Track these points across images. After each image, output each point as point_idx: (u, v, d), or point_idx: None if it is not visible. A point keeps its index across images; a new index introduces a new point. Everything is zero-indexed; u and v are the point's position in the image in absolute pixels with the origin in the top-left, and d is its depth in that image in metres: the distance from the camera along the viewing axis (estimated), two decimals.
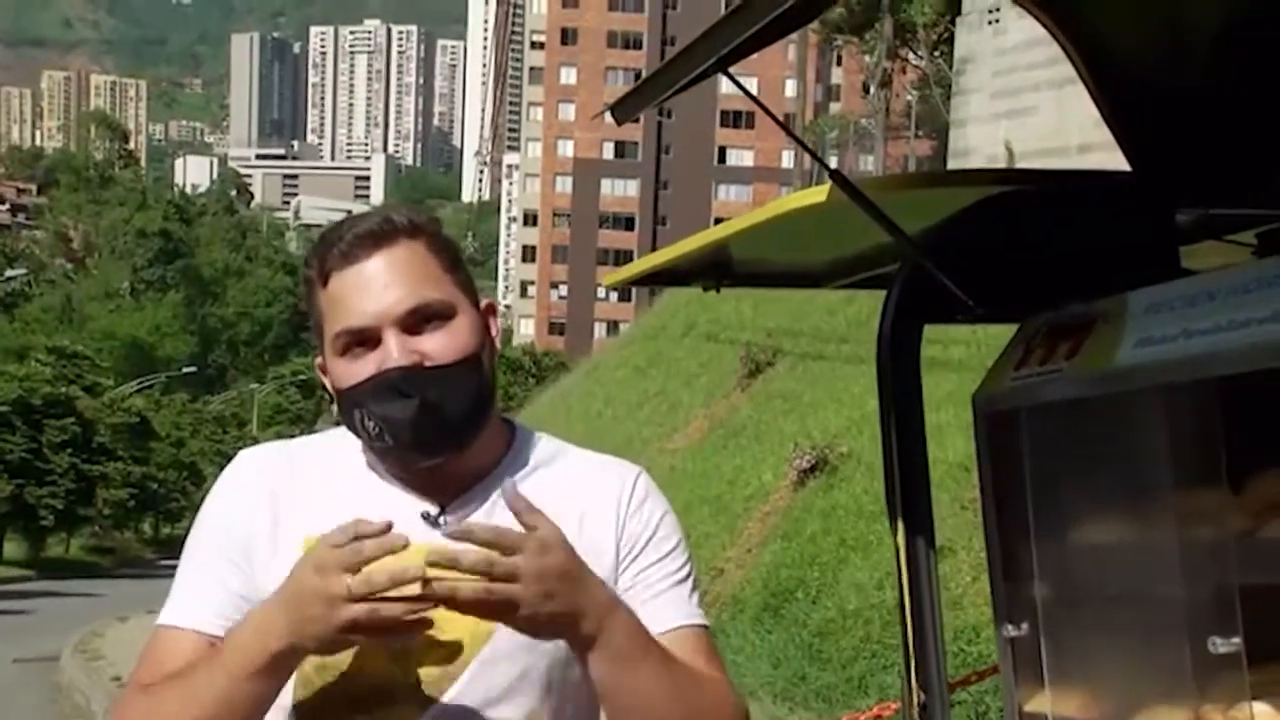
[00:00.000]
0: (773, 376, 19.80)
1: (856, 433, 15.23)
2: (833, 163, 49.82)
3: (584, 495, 1.67)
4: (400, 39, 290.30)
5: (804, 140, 51.79)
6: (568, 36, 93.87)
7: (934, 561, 2.14)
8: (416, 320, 1.58)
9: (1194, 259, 2.26)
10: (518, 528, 1.60)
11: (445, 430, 1.59)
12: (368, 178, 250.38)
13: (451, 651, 1.59)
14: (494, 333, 1.68)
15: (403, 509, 1.63)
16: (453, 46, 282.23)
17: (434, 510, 1.64)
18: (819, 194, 2.13)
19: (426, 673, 1.59)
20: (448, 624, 1.58)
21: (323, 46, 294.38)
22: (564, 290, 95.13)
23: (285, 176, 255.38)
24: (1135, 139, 2.29)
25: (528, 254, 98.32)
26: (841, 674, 11.99)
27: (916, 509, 2.14)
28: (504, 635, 1.59)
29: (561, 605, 1.47)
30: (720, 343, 22.66)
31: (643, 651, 1.53)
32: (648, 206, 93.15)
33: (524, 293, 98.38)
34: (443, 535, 1.51)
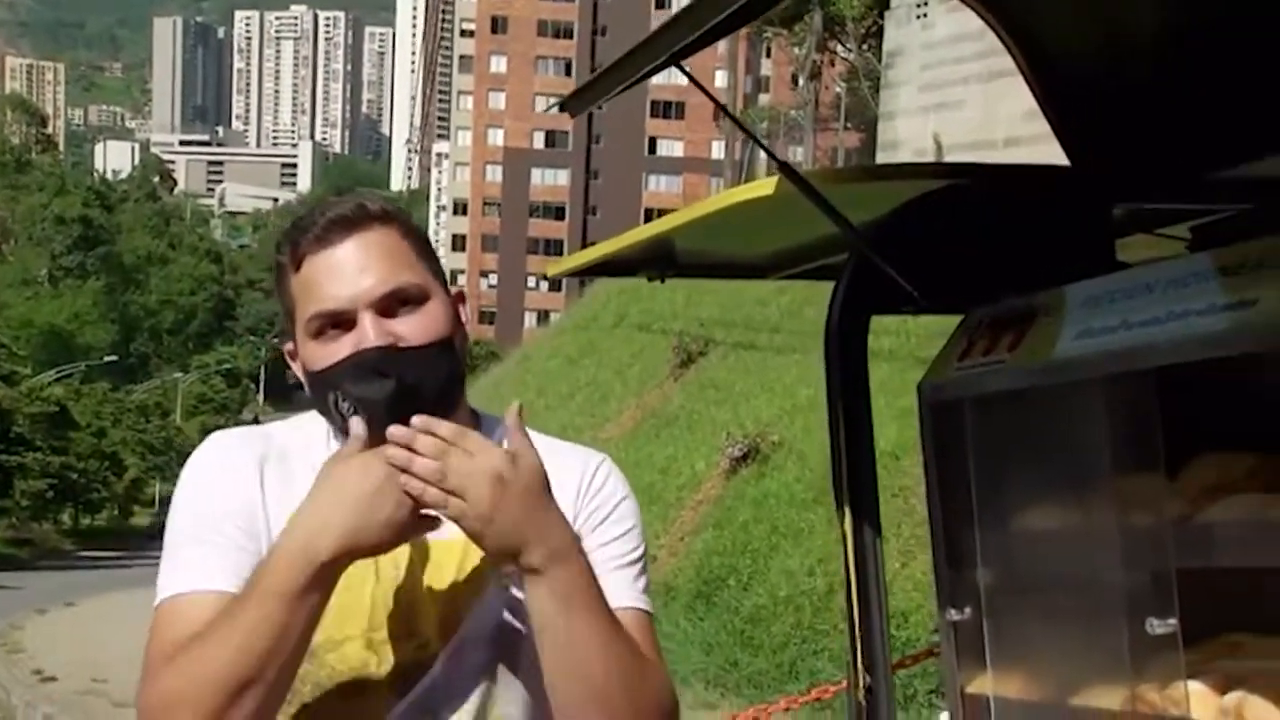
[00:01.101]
0: (705, 366, 19.92)
1: (788, 422, 15.36)
2: (760, 154, 50.07)
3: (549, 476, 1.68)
4: (327, 25, 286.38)
5: (735, 131, 51.81)
6: (498, 25, 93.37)
7: (879, 547, 2.19)
8: (391, 303, 1.60)
9: (1128, 252, 2.33)
10: None
11: (420, 411, 1.58)
12: (295, 165, 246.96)
13: (423, 641, 1.60)
14: (465, 320, 1.70)
15: None
16: (381, 33, 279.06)
17: None
18: (766, 186, 2.16)
19: (398, 662, 1.60)
20: (420, 612, 1.61)
21: (248, 31, 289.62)
22: (494, 279, 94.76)
23: (210, 163, 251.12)
24: (1073, 133, 2.35)
25: (457, 243, 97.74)
26: (772, 659, 12.11)
27: (862, 496, 2.18)
28: (469, 627, 1.61)
29: (511, 523, 1.49)
30: (652, 333, 22.74)
31: (587, 602, 1.53)
32: (578, 196, 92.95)
33: (453, 281, 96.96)
34: (412, 423, 1.52)
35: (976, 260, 2.16)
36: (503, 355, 42.81)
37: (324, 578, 1.48)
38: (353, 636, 1.59)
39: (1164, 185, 2.19)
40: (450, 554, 1.63)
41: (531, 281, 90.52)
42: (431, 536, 1.63)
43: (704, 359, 20.16)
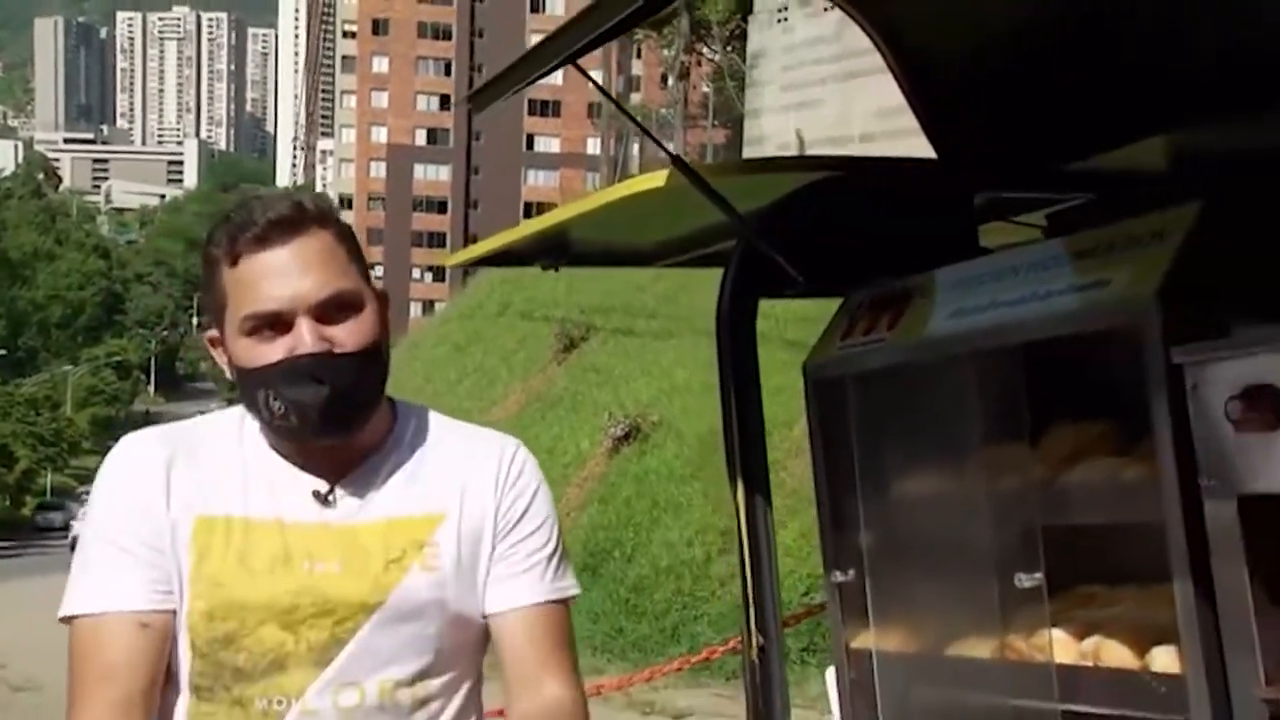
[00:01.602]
0: (586, 351, 19.91)
1: (667, 402, 15.43)
2: (634, 150, 50.19)
3: (465, 468, 1.66)
4: (210, 26, 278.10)
5: (609, 129, 51.69)
6: (379, 27, 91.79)
7: (770, 518, 2.22)
8: (328, 309, 1.55)
9: (990, 237, 2.39)
10: (403, 503, 1.63)
11: (350, 414, 1.58)
12: (181, 162, 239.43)
13: (339, 619, 1.58)
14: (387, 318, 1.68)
15: (294, 487, 1.61)
16: (264, 34, 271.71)
17: (324, 488, 1.62)
18: (657, 179, 2.17)
19: (315, 639, 1.57)
20: (337, 595, 1.58)
21: (130, 32, 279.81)
22: (380, 271, 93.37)
23: (95, 160, 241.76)
24: (939, 128, 2.40)
25: None
26: (655, 625, 12.20)
27: (754, 470, 2.21)
28: (391, 605, 1.59)
29: None
30: (535, 320, 22.65)
31: None
32: (459, 191, 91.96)
33: None
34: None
35: (855, 246, 2.20)
36: (391, 344, 42.21)
37: None
38: (265, 621, 1.57)
39: (1023, 176, 2.25)
40: (374, 535, 1.61)
41: (416, 273, 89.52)
42: (356, 520, 1.61)
43: (585, 344, 20.15)
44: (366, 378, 1.58)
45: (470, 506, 1.65)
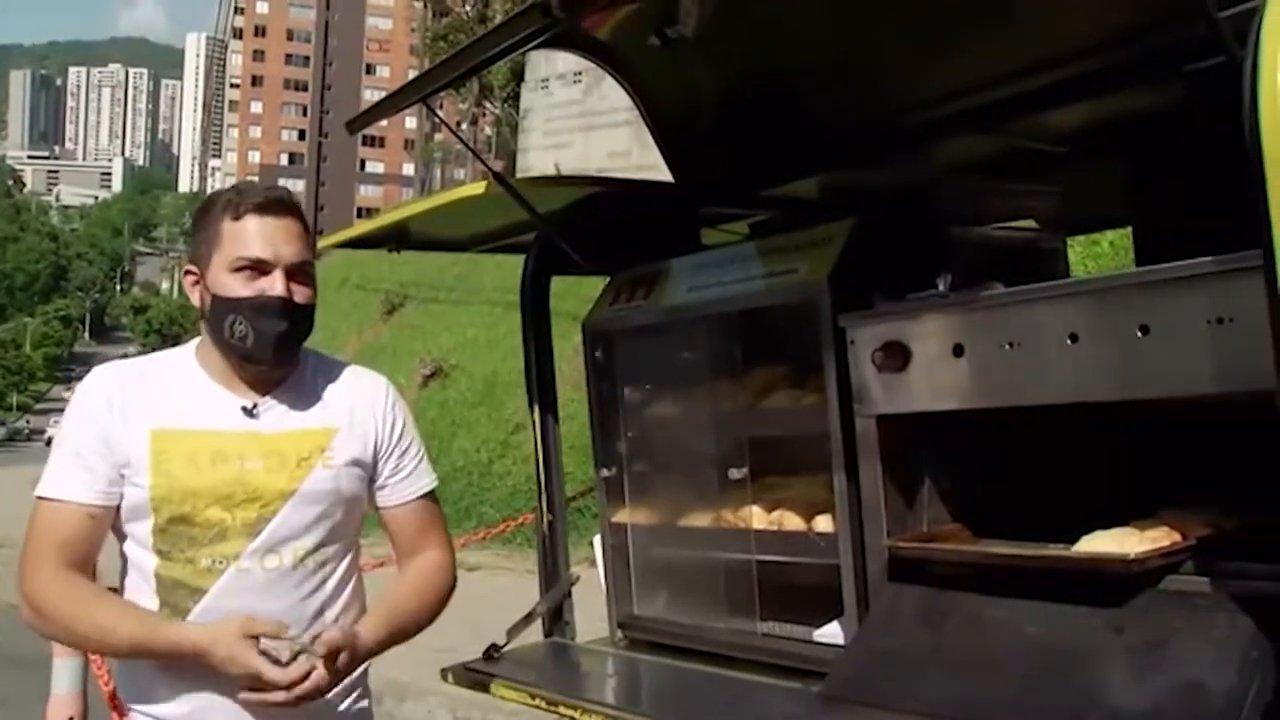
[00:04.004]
0: (404, 314, 19.26)
1: (461, 351, 15.13)
2: (437, 174, 48.79)
3: (351, 394, 1.60)
4: (135, 78, 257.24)
5: (420, 158, 50.05)
6: (256, 80, 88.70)
7: (557, 430, 2.13)
8: (294, 272, 1.51)
9: (708, 238, 2.36)
10: (308, 418, 1.54)
11: (289, 347, 1.53)
12: (110, 173, 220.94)
13: (264, 503, 1.51)
14: None
15: (227, 403, 1.53)
16: (173, 84, 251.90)
17: (250, 404, 1.53)
18: (480, 188, 2.04)
19: (246, 518, 1.50)
20: (264, 483, 1.50)
21: (77, 81, 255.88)
22: None
23: (49, 171, 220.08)
24: (677, 161, 2.34)
25: None
26: (454, 508, 11.93)
27: (546, 396, 2.11)
28: (301, 492, 1.52)
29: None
30: (367, 290, 21.75)
31: (388, 636, 1.52)
32: (311, 198, 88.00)
33: None
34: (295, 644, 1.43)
35: (619, 239, 2.13)
36: None
37: (175, 660, 1.42)
38: (211, 504, 1.48)
39: (732, 198, 2.22)
40: (288, 441, 1.53)
41: None
42: (275, 429, 1.52)
43: (403, 309, 19.47)
44: (306, 327, 1.53)
45: (357, 423, 1.58)
